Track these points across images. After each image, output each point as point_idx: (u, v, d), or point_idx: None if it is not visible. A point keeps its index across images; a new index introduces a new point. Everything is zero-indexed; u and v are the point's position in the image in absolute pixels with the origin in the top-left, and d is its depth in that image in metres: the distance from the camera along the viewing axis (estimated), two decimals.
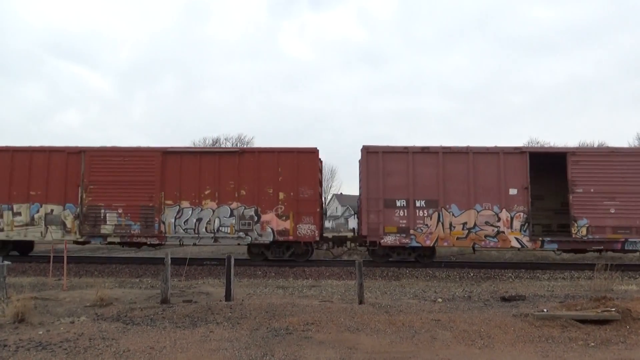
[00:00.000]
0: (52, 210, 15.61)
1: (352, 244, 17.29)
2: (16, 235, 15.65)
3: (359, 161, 16.37)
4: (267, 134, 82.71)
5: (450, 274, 14.06)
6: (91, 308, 8.36)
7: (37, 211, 15.63)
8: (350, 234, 19.17)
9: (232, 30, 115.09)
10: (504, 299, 9.41)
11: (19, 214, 15.62)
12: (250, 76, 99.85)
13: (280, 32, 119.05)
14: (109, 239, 15.71)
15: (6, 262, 9.31)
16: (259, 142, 61.86)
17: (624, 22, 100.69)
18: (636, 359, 5.91)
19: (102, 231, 15.48)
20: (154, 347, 5.99)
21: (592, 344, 6.45)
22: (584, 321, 7.13)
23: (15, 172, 15.71)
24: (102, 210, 15.55)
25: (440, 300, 9.53)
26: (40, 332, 6.64)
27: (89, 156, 15.76)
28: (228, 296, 8.98)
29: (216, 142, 52.88)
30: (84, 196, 15.58)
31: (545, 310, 7.74)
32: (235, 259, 9.57)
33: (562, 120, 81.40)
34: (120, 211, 15.52)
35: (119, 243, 15.95)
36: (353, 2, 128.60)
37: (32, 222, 15.60)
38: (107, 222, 15.51)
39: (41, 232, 15.59)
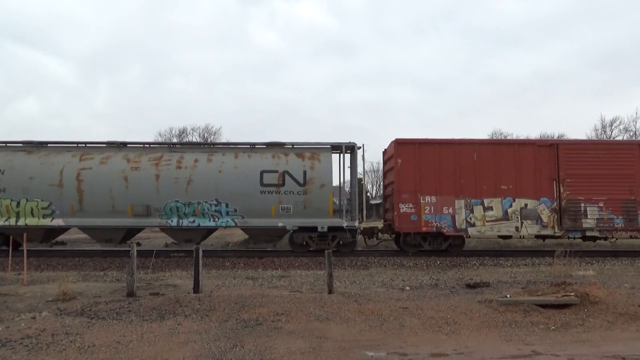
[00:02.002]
0: (526, 205, 15.27)
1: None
2: (488, 230, 15.32)
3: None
4: (235, 125, 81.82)
5: (417, 262, 14.31)
6: (53, 303, 8.11)
7: (510, 205, 15.28)
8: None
9: (199, 17, 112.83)
10: (469, 286, 9.65)
11: (490, 208, 15.29)
12: (219, 65, 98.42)
13: (250, 19, 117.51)
14: (588, 233, 15.43)
15: None
16: (227, 133, 61.09)
17: (588, 15, 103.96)
18: (593, 340, 6.19)
19: (584, 225, 15.27)
20: (120, 341, 5.87)
21: (553, 327, 6.71)
22: (545, 306, 7.40)
23: (483, 166, 15.39)
24: (582, 204, 15.31)
25: (408, 288, 9.69)
26: (0, 329, 6.41)
27: (564, 149, 15.50)
28: (196, 288, 8.87)
29: (182, 133, 51.90)
30: (562, 190, 15.29)
31: (508, 296, 7.98)
32: (203, 250, 9.46)
33: (526, 111, 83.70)
34: (601, 205, 15.30)
35: (598, 238, 15.69)
36: None
37: (505, 217, 15.26)
38: (588, 216, 15.29)
39: (516, 227, 15.26)
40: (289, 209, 15.29)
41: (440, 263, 14.32)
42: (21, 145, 16.07)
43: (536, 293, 8.02)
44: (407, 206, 15.38)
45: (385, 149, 17.59)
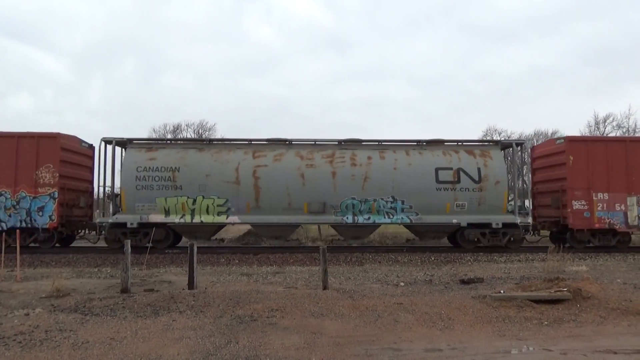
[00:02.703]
0: None
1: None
2: None
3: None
4: (229, 121, 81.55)
5: (412, 259, 14.35)
6: (47, 299, 8.07)
7: None
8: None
9: (194, 12, 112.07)
10: (463, 282, 9.70)
11: None
12: (213, 60, 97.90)
13: (245, 15, 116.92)
14: None
15: None
16: (221, 129, 60.99)
17: (583, 12, 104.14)
18: (586, 335, 6.24)
19: None
20: (114, 337, 5.86)
21: (546, 322, 6.75)
22: (538, 301, 7.45)
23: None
24: None
25: (402, 284, 9.73)
26: None
27: None
28: (191, 284, 8.86)
29: (177, 129, 51.69)
30: None
31: (502, 291, 8.03)
32: (197, 247, 9.44)
33: (520, 108, 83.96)
34: None
35: None
36: None
37: None
38: None
39: None
40: (464, 206, 15.55)
41: (434, 259, 14.37)
42: (192, 142, 16.55)
43: (529, 289, 8.08)
44: (580, 203, 15.72)
45: (532, 146, 18.37)
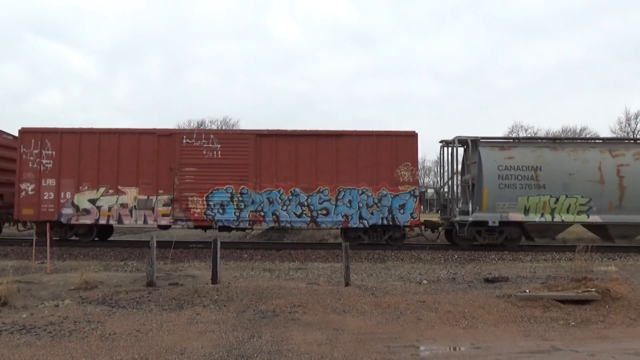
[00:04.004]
0: None
1: None
2: None
3: None
4: (253, 117, 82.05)
5: (435, 257, 14.22)
6: (76, 291, 8.29)
7: None
8: None
9: (219, 9, 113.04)
10: (487, 281, 9.57)
11: None
12: (237, 57, 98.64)
13: (269, 11, 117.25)
14: None
15: None
16: (245, 125, 61.44)
17: (614, 6, 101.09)
18: (615, 337, 6.08)
19: None
20: (140, 329, 5.98)
21: (573, 323, 6.61)
22: (565, 301, 7.30)
23: None
24: None
25: (425, 282, 9.65)
26: (24, 316, 6.58)
27: None
28: (214, 279, 8.97)
29: (201, 125, 52.30)
30: None
31: (527, 291, 7.89)
32: (221, 242, 9.55)
33: (547, 104, 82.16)
34: None
35: None
36: None
37: None
38: None
39: None
40: None
41: (457, 257, 14.21)
42: (543, 141, 16.80)
43: (556, 288, 7.91)
44: None
45: None
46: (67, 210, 15.36)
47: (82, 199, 15.38)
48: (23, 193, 15.38)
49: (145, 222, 15.47)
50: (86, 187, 15.41)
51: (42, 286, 8.79)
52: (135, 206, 15.37)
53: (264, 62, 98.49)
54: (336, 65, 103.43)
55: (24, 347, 5.31)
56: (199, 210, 15.31)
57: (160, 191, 15.36)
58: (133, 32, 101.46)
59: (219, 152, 15.46)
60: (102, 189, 15.42)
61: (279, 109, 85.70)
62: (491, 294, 7.89)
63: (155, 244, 9.03)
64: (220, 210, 15.32)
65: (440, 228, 16.58)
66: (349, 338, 5.83)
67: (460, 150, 16.92)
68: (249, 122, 76.56)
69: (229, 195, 15.33)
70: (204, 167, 15.38)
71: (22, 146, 15.57)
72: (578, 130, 49.90)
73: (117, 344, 5.47)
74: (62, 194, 15.39)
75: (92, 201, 15.43)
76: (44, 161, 15.44)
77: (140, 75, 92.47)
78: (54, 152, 15.46)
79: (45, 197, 15.40)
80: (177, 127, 52.49)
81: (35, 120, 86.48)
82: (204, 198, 15.34)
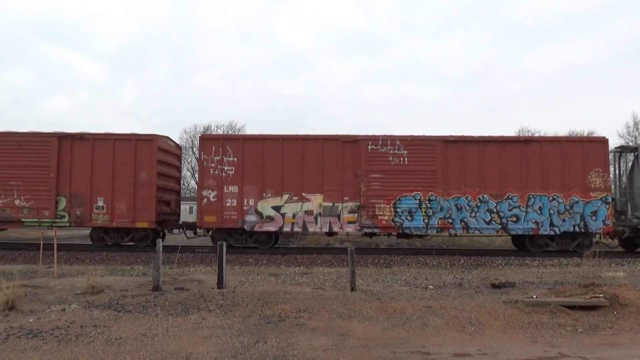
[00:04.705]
0: None
1: None
2: None
3: None
4: (258, 122, 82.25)
5: (441, 262, 14.17)
6: (82, 295, 8.32)
7: None
8: None
9: (225, 15, 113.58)
10: (494, 286, 9.51)
11: None
12: (243, 62, 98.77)
13: (275, 16, 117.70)
14: None
15: None
16: (250, 130, 61.64)
17: (622, 8, 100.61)
18: (623, 343, 6.02)
19: None
20: (146, 334, 5.99)
21: (581, 329, 6.55)
22: (572, 307, 7.23)
23: None
24: None
25: (431, 287, 9.61)
26: (31, 320, 6.61)
27: None
28: (220, 284, 8.98)
29: (207, 130, 52.49)
30: None
31: (534, 296, 7.83)
32: (227, 247, 9.56)
33: (554, 108, 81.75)
34: None
35: None
36: None
37: None
38: None
39: None
40: None
41: (464, 262, 14.14)
42: None
43: (563, 294, 7.85)
44: None
45: None
46: (251, 218, 15.31)
47: (266, 206, 15.33)
48: (205, 200, 15.35)
49: (330, 229, 15.41)
50: (270, 194, 15.35)
51: (49, 290, 8.83)
52: (320, 213, 15.27)
53: (269, 67, 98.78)
54: (342, 70, 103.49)
55: (31, 352, 5.34)
56: (386, 217, 15.23)
57: (346, 198, 15.29)
58: (140, 37, 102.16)
59: (406, 159, 15.37)
60: (286, 196, 15.33)
61: (285, 113, 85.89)
62: (498, 300, 7.83)
63: (161, 249, 9.07)
64: (409, 217, 15.22)
65: (622, 236, 16.25)
66: (355, 343, 5.80)
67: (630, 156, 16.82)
68: (254, 126, 76.69)
69: (417, 202, 15.25)
70: (390, 173, 15.31)
71: (202, 153, 15.59)
72: (586, 135, 49.56)
73: (123, 349, 5.48)
74: (245, 200, 15.33)
75: (276, 208, 15.35)
76: (226, 168, 15.41)
77: (147, 81, 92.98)
78: (235, 159, 15.44)
79: (228, 204, 15.34)
80: (183, 132, 52.52)
81: (45, 125, 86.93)
82: (391, 205, 15.25)
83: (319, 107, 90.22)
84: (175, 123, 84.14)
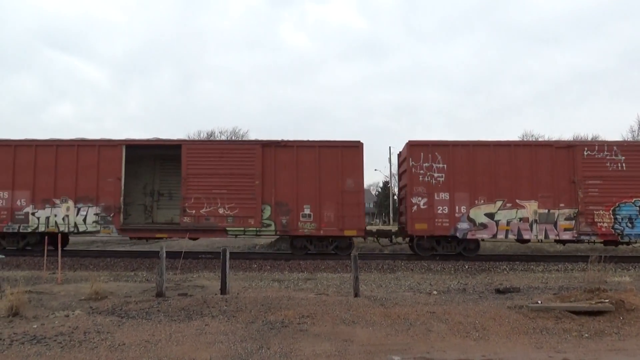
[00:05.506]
0: None
1: None
2: None
3: None
4: (262, 127, 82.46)
5: (445, 267, 14.11)
6: (86, 302, 8.33)
7: None
8: None
9: (230, 20, 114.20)
10: (498, 291, 9.46)
11: None
12: (248, 67, 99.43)
13: (280, 22, 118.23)
14: None
15: (0, 256, 9.26)
16: (254, 136, 61.74)
17: (627, 13, 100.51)
18: (629, 349, 5.97)
19: None
20: (150, 340, 5.98)
21: (586, 335, 6.50)
22: (577, 312, 7.18)
23: None
24: None
25: (435, 292, 9.57)
26: (35, 326, 6.62)
27: None
28: (223, 289, 8.97)
29: (211, 136, 52.60)
30: None
31: (539, 302, 7.78)
32: (230, 252, 9.56)
33: (559, 112, 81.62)
34: None
35: None
36: None
37: None
38: None
39: None
40: None
41: (468, 267, 14.08)
42: None
43: (569, 299, 7.80)
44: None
45: None
46: (463, 225, 15.20)
47: (479, 213, 15.22)
48: (415, 207, 15.25)
49: (546, 236, 15.29)
50: (482, 201, 15.24)
51: (52, 296, 8.84)
52: (535, 220, 15.15)
53: (274, 72, 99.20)
54: (346, 75, 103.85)
55: (34, 357, 5.34)
56: (605, 225, 15.09)
57: (561, 205, 15.16)
58: (145, 43, 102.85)
59: (623, 165, 15.25)
60: (499, 203, 15.22)
61: (289, 118, 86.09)
62: (502, 305, 7.79)
63: (164, 255, 9.07)
64: (629, 225, 15.11)
65: None
66: (358, 349, 5.78)
67: None
68: (258, 131, 76.95)
69: (638, 208, 15.12)
70: (608, 179, 15.17)
71: (410, 159, 15.47)
72: (589, 139, 49.38)
73: (126, 355, 5.47)
74: (457, 208, 15.22)
75: (489, 215, 15.23)
76: (435, 174, 15.32)
77: (152, 86, 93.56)
78: (445, 165, 15.35)
79: (439, 212, 15.23)
80: (188, 138, 52.77)
81: (50, 131, 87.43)
82: (610, 212, 15.14)
83: (324, 112, 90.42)
84: (179, 128, 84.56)
